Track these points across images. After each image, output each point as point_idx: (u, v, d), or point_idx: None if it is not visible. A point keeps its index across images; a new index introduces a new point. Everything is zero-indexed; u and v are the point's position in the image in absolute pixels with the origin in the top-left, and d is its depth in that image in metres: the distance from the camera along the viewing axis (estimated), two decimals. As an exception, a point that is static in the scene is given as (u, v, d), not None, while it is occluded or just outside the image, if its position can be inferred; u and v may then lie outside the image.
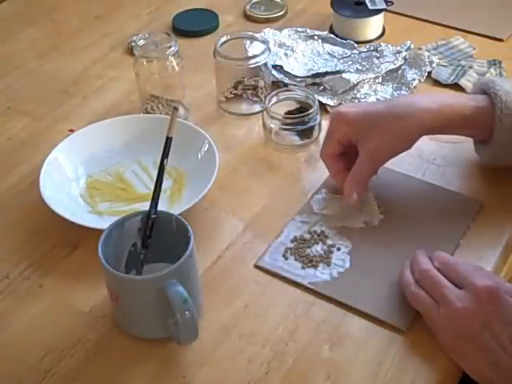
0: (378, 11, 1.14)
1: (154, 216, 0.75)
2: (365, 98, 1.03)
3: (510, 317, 0.69)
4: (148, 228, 0.75)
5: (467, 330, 0.69)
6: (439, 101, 0.84)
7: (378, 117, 0.84)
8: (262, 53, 1.01)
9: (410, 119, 0.83)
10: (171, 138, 0.75)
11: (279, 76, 1.07)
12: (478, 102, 0.85)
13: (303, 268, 0.81)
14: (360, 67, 1.07)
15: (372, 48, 1.11)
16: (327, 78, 1.06)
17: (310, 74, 1.07)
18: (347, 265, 0.81)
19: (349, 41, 1.13)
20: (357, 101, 1.03)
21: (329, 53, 1.12)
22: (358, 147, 0.85)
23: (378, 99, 1.03)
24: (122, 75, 1.11)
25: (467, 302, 0.70)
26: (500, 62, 1.08)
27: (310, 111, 0.95)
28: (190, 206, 0.84)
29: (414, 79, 1.06)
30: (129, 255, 0.78)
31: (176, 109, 0.75)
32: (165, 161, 0.76)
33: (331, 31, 1.17)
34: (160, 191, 0.76)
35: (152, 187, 0.90)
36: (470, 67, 1.07)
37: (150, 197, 0.89)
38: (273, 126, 0.97)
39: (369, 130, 0.84)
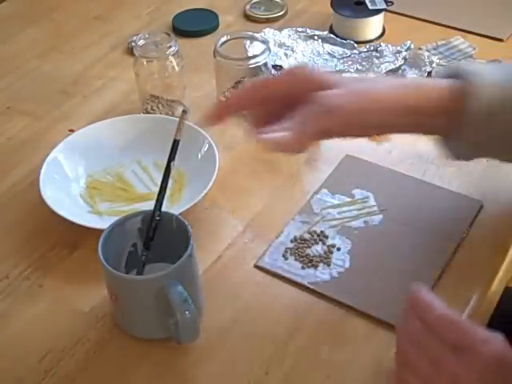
0: (378, 11, 1.14)
1: (158, 218, 0.74)
2: (365, 97, 1.03)
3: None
4: (151, 229, 0.75)
5: None
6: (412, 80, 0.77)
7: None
8: (262, 53, 1.01)
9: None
10: (178, 141, 0.75)
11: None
12: (448, 88, 0.75)
13: (303, 268, 0.81)
14: (360, 67, 1.07)
15: (372, 48, 1.11)
16: (327, 77, 1.06)
17: (310, 74, 1.07)
18: (347, 265, 0.81)
19: (349, 41, 1.13)
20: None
21: (329, 53, 1.12)
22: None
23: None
24: (121, 75, 1.11)
25: (472, 370, 0.63)
26: (500, 62, 1.08)
27: (310, 111, 0.95)
28: (190, 206, 0.84)
29: (414, 79, 1.06)
30: (129, 255, 0.78)
31: (185, 112, 0.74)
32: (171, 163, 0.75)
33: (331, 31, 1.17)
34: (165, 193, 0.76)
35: (152, 187, 0.91)
36: (470, 67, 1.07)
37: (150, 197, 0.90)
38: (273, 126, 0.97)
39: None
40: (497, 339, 0.65)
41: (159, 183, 0.92)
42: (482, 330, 0.66)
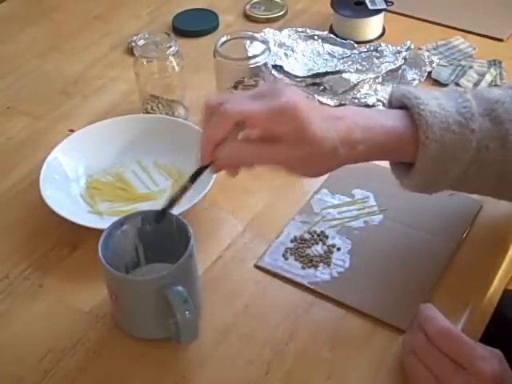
0: (378, 11, 1.14)
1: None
2: (365, 97, 1.03)
3: None
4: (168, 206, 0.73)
5: None
6: (362, 126, 0.70)
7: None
8: (262, 53, 1.01)
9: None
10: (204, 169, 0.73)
11: (279, 76, 1.07)
12: (399, 122, 0.71)
13: (303, 268, 0.81)
14: (360, 67, 1.07)
15: (372, 48, 1.11)
16: (327, 78, 1.06)
17: (310, 74, 1.07)
18: (347, 265, 0.81)
19: (349, 41, 1.13)
20: (356, 101, 1.03)
21: (329, 53, 1.12)
22: None
23: (378, 99, 1.03)
24: (122, 75, 1.11)
25: None
26: (500, 62, 1.08)
27: (310, 111, 0.95)
28: (190, 206, 0.84)
29: (414, 79, 1.06)
30: (129, 255, 0.78)
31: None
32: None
33: (331, 31, 1.17)
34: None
35: (152, 187, 0.92)
36: (470, 67, 1.07)
37: (150, 197, 0.91)
38: (273, 126, 0.97)
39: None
40: (495, 356, 0.66)
41: (159, 183, 0.92)
42: (481, 346, 0.67)
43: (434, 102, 0.71)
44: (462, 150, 0.71)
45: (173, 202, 0.73)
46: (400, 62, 1.07)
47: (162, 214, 0.73)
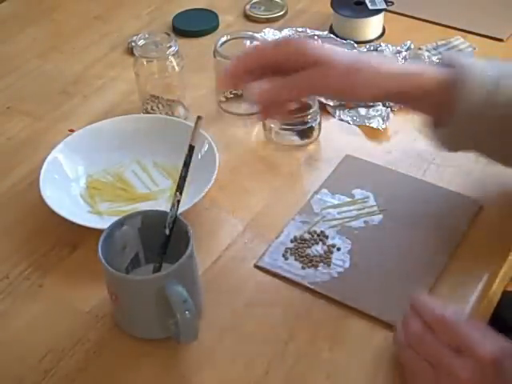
0: (377, 11, 1.14)
1: (169, 231, 0.74)
2: (365, 97, 1.03)
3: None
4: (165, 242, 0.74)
5: None
6: (401, 68, 0.81)
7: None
8: (262, 53, 1.01)
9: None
10: (194, 147, 0.74)
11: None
12: (441, 74, 0.77)
13: (303, 268, 0.81)
14: (360, 67, 1.07)
15: (372, 48, 1.11)
16: (327, 78, 1.06)
17: (310, 74, 1.07)
18: (347, 265, 0.81)
19: (349, 41, 1.13)
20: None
21: (329, 53, 1.12)
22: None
23: (378, 99, 1.03)
24: (122, 75, 1.11)
25: (471, 372, 0.64)
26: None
27: (310, 111, 0.95)
28: (190, 206, 0.84)
29: (413, 79, 1.06)
30: (129, 255, 0.78)
31: (200, 118, 0.73)
32: (186, 167, 0.74)
33: (331, 31, 1.17)
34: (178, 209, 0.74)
35: (152, 187, 0.92)
36: (470, 67, 1.07)
37: (150, 197, 0.91)
38: (273, 125, 0.97)
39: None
40: (494, 340, 0.66)
41: (159, 183, 0.92)
42: (479, 331, 0.67)
43: (480, 63, 0.78)
44: (492, 108, 0.75)
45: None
46: (400, 62, 1.07)
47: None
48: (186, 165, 0.74)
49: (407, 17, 1.20)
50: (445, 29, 1.17)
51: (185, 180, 0.74)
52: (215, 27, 1.20)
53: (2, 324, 0.78)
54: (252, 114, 1.02)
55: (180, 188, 0.74)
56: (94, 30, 1.22)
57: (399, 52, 1.09)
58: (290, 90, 0.77)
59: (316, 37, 1.14)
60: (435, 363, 0.67)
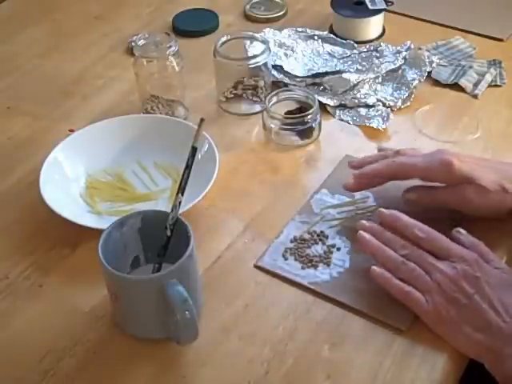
0: (377, 11, 1.14)
1: (169, 235, 0.74)
2: (365, 97, 1.03)
3: (494, 281, 0.73)
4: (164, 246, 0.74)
5: (461, 292, 0.72)
6: None
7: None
8: (262, 53, 1.01)
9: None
10: (196, 149, 0.74)
11: (279, 76, 1.07)
12: None
13: (303, 268, 0.81)
14: (360, 67, 1.07)
15: (372, 48, 1.11)
16: (327, 78, 1.06)
17: (309, 74, 1.07)
18: (347, 265, 0.81)
19: (349, 41, 1.13)
20: (356, 101, 1.03)
21: (329, 53, 1.12)
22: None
23: (378, 99, 1.03)
24: (122, 75, 1.11)
25: (458, 268, 0.73)
26: (500, 62, 1.08)
27: (310, 111, 0.96)
28: (190, 206, 0.84)
29: (414, 79, 1.06)
30: (129, 256, 0.78)
31: (203, 120, 0.73)
32: (189, 169, 0.74)
33: (331, 31, 1.17)
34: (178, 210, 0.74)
35: (152, 187, 0.92)
36: (470, 67, 1.07)
37: (150, 197, 0.91)
38: (273, 126, 0.97)
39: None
40: (470, 256, 0.75)
41: (159, 183, 0.92)
42: (455, 245, 0.77)
43: None
44: None
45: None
46: (400, 62, 1.07)
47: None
48: (189, 167, 0.74)
49: (407, 17, 1.20)
50: (445, 29, 1.17)
51: (187, 182, 0.74)
52: (215, 27, 1.20)
53: (2, 324, 0.78)
54: (252, 114, 1.02)
55: (182, 189, 0.74)
56: (94, 30, 1.22)
57: (399, 52, 1.09)
58: (434, 202, 0.84)
59: (316, 37, 1.14)
60: (426, 268, 0.75)
